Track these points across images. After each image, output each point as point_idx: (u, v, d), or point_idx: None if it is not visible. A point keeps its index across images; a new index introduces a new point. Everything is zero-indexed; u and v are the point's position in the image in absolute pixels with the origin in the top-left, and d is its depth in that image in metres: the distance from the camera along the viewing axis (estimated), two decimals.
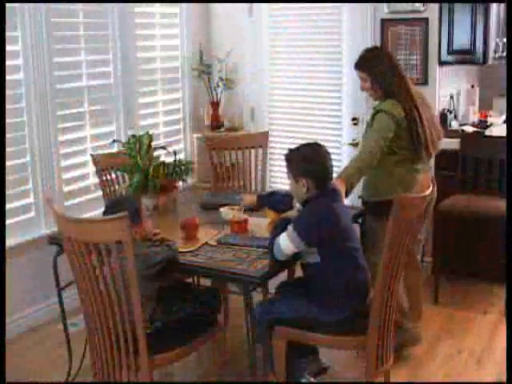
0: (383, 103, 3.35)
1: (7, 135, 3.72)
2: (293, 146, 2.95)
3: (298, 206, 3.14)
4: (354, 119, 4.81)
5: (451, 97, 4.85)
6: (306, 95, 5.03)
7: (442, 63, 4.53)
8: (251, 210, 3.38)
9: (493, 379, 3.34)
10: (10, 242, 3.77)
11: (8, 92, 3.70)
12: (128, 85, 4.56)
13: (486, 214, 4.13)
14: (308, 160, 2.82)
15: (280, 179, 5.02)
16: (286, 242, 2.72)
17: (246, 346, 2.85)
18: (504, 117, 4.74)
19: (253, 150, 4.33)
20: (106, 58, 4.41)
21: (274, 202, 3.25)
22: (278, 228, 2.83)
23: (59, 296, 3.19)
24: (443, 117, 4.65)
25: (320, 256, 2.76)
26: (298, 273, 3.16)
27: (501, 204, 4.01)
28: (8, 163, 3.75)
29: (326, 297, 2.78)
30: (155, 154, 3.51)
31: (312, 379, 3.14)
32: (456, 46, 4.43)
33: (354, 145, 4.80)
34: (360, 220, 3.48)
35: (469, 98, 5.09)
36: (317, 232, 2.73)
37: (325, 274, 2.78)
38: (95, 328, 2.70)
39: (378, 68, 3.35)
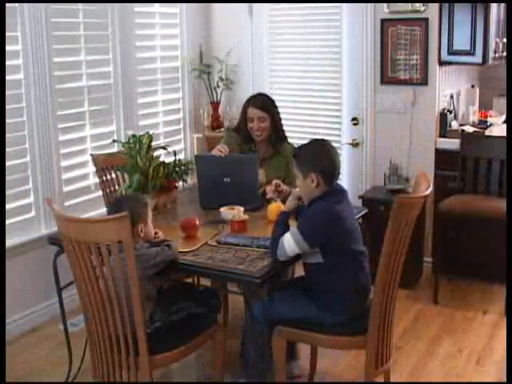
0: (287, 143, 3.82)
1: (7, 135, 3.72)
2: (294, 146, 2.95)
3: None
4: (353, 119, 4.81)
5: (451, 97, 4.84)
6: (305, 95, 5.02)
7: (441, 63, 4.52)
8: (252, 209, 3.38)
9: (493, 379, 3.34)
10: (10, 241, 3.77)
11: (8, 92, 3.70)
12: (128, 85, 4.55)
13: (486, 214, 4.12)
14: (316, 155, 2.80)
15: None
16: (290, 244, 2.69)
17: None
18: (504, 117, 4.74)
19: None
20: (105, 58, 4.41)
21: None
22: (279, 224, 2.82)
23: (59, 296, 3.18)
24: (443, 117, 4.64)
25: (322, 257, 2.74)
26: (298, 272, 3.16)
27: (501, 204, 4.01)
28: (8, 163, 3.75)
29: (326, 298, 2.77)
30: (155, 154, 3.51)
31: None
32: (456, 46, 4.42)
33: (354, 145, 4.80)
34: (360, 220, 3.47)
35: (469, 97, 5.09)
36: (321, 234, 2.71)
37: (326, 275, 2.76)
38: (95, 328, 2.70)
39: (277, 113, 3.78)
